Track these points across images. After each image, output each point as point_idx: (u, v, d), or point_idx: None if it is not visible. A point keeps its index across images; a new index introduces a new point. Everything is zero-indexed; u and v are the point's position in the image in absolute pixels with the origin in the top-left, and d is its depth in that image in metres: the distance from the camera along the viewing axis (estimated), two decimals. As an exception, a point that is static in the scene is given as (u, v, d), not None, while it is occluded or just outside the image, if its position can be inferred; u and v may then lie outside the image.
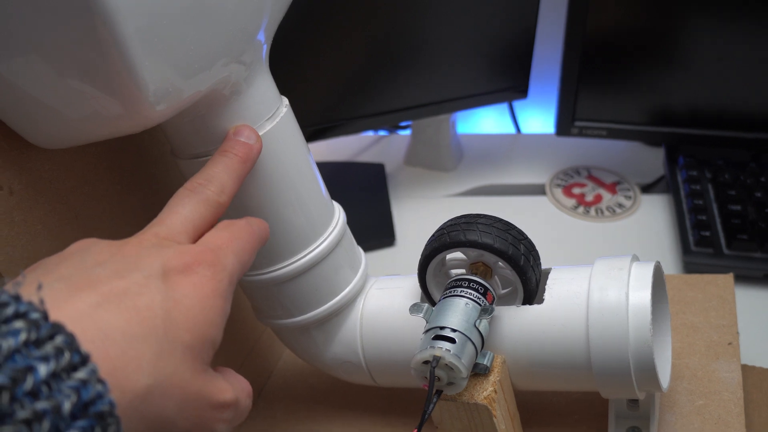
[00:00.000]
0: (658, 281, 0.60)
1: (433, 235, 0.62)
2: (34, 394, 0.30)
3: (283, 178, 0.58)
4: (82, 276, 0.39)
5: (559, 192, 1.14)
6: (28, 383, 0.30)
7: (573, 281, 0.59)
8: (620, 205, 1.09)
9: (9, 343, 0.31)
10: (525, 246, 0.59)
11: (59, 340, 0.32)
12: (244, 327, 0.78)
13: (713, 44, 0.99)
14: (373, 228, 1.08)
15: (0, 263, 0.50)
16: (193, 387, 0.41)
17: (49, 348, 0.32)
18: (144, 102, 0.45)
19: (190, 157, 0.56)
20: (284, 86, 0.61)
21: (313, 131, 1.03)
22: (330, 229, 0.63)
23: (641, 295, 0.56)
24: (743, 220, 0.96)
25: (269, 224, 0.58)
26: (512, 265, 0.58)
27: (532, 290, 0.60)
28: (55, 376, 0.31)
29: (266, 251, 0.60)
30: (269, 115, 0.57)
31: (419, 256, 0.63)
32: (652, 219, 1.06)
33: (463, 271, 0.62)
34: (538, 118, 1.39)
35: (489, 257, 0.60)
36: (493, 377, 0.57)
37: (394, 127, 1.36)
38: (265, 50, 0.56)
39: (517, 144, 1.31)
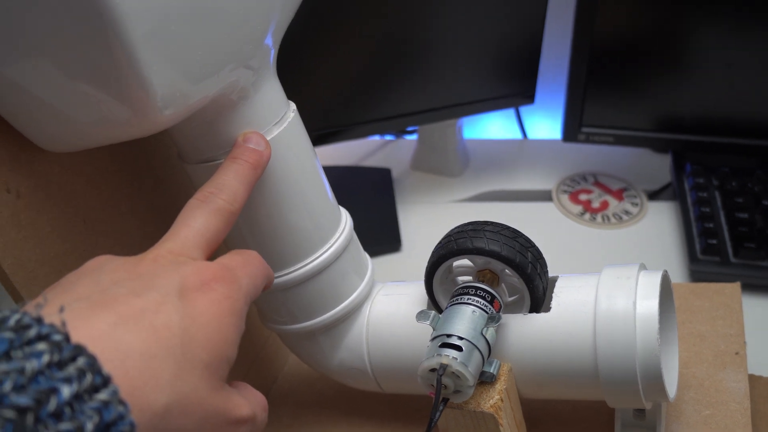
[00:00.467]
0: (666, 290, 0.60)
1: (440, 242, 0.62)
2: (57, 416, 0.30)
3: (290, 184, 0.58)
4: (99, 296, 0.39)
5: (565, 198, 1.13)
6: (52, 404, 0.30)
7: (580, 289, 0.59)
8: (627, 212, 1.09)
9: (33, 364, 0.31)
10: (532, 254, 0.59)
11: (81, 361, 0.32)
12: (250, 333, 0.78)
13: (721, 51, 0.99)
14: (379, 233, 1.08)
15: (8, 266, 0.50)
16: (211, 404, 0.41)
17: (71, 369, 0.32)
18: (152, 106, 0.45)
19: (197, 162, 0.56)
20: (290, 90, 0.61)
21: (319, 135, 1.03)
22: (337, 234, 0.63)
23: (649, 304, 0.55)
24: (750, 228, 0.96)
25: (276, 229, 0.59)
26: (519, 272, 0.58)
27: (539, 298, 0.60)
28: (77, 397, 0.31)
29: (273, 256, 0.60)
30: (277, 120, 0.56)
31: (425, 262, 0.63)
32: (658, 226, 1.06)
33: (469, 278, 0.62)
34: (544, 123, 1.39)
35: (496, 265, 0.60)
36: (500, 385, 0.57)
37: (400, 132, 1.36)
38: (272, 55, 0.56)
39: (524, 150, 1.31)
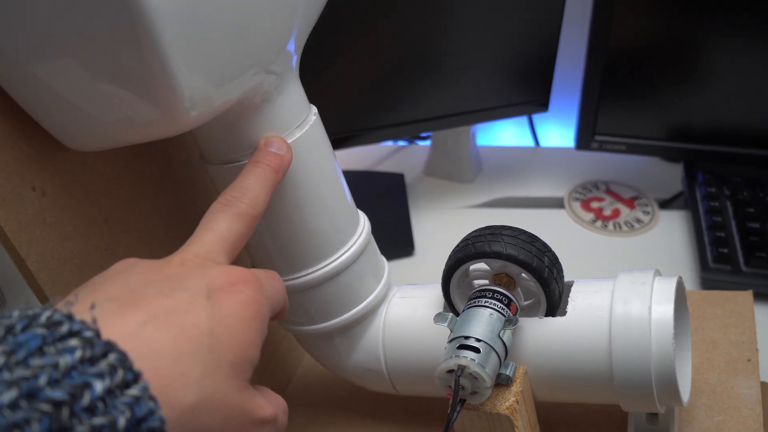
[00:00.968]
0: (680, 296, 0.60)
1: (458, 246, 0.63)
2: (91, 410, 0.31)
3: (311, 186, 0.59)
4: (129, 295, 0.40)
5: (577, 206, 1.14)
6: (86, 399, 0.31)
7: (596, 294, 0.60)
8: (638, 221, 1.10)
9: (66, 360, 0.31)
10: (549, 258, 0.60)
11: (112, 357, 0.33)
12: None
13: (734, 61, 1.00)
14: (392, 237, 1.09)
15: (32, 263, 0.50)
16: (236, 403, 0.41)
17: (103, 365, 0.32)
18: (179, 108, 0.45)
19: (220, 163, 0.57)
20: (306, 95, 0.61)
21: (333, 140, 1.03)
22: (355, 237, 0.63)
23: (664, 309, 0.56)
24: (762, 238, 0.96)
25: (296, 231, 0.59)
26: (536, 276, 0.59)
27: (555, 302, 0.60)
28: (110, 392, 0.32)
29: (292, 258, 0.61)
30: (299, 123, 0.57)
31: (438, 266, 0.64)
32: (670, 235, 1.07)
33: (486, 282, 0.63)
34: (556, 131, 1.40)
35: (513, 268, 0.60)
36: (516, 387, 0.58)
37: (414, 138, 1.37)
38: (295, 60, 0.56)
39: (536, 157, 1.31)
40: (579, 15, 1.09)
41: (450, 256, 0.63)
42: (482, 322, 0.56)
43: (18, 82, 0.47)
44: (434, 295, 0.67)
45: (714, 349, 0.73)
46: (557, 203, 1.16)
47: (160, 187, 0.64)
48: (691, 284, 0.96)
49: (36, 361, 0.31)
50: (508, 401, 0.57)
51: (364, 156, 1.32)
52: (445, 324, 0.58)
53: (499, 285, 0.61)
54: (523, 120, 1.37)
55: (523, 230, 0.61)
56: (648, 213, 1.11)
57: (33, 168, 0.51)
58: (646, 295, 0.57)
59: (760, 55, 0.98)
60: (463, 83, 1.06)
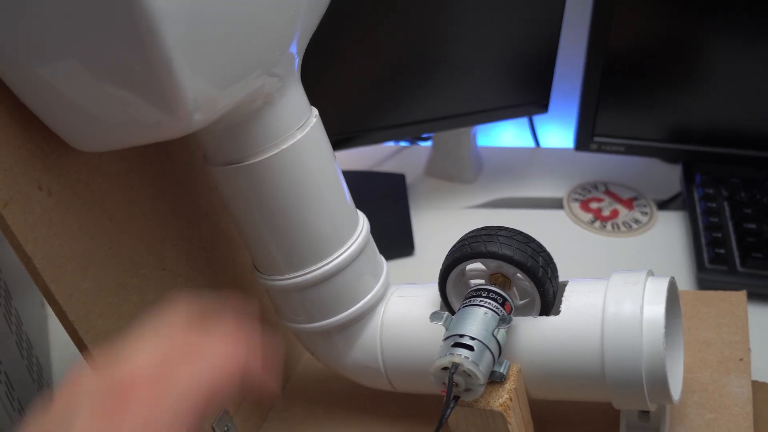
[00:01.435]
0: (673, 296, 0.61)
1: (454, 246, 0.64)
2: None
3: (311, 187, 0.60)
4: None
5: (576, 206, 1.15)
6: None
7: (589, 294, 0.61)
8: (636, 221, 1.10)
9: None
10: (543, 258, 0.61)
11: None
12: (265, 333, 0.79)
13: (733, 63, 1.00)
14: (392, 237, 1.09)
15: (39, 261, 0.52)
16: None
17: None
18: (182, 110, 0.46)
19: (222, 164, 0.58)
20: (308, 97, 0.62)
21: (334, 141, 1.03)
22: (354, 237, 0.64)
23: (655, 309, 0.57)
24: (758, 239, 0.97)
25: (296, 231, 0.60)
26: (531, 276, 0.60)
27: (549, 302, 0.61)
28: None
29: (292, 257, 0.62)
30: (300, 125, 0.58)
31: (437, 266, 0.65)
32: (667, 235, 1.07)
33: (482, 281, 0.64)
34: (556, 132, 1.40)
35: (508, 268, 0.61)
36: (509, 385, 0.59)
37: (415, 138, 1.38)
38: (297, 63, 0.57)
39: (536, 158, 1.32)
40: (579, 16, 1.09)
41: (447, 256, 0.64)
42: (477, 320, 0.58)
43: (24, 83, 0.48)
44: (431, 294, 0.68)
45: (707, 348, 0.74)
46: (556, 204, 1.17)
47: (163, 188, 0.65)
48: (687, 284, 0.97)
49: None
50: (502, 398, 0.58)
51: (365, 156, 1.32)
52: (441, 322, 0.59)
53: (495, 284, 0.62)
54: (523, 121, 1.38)
55: (519, 231, 0.62)
56: (646, 213, 1.12)
57: (40, 168, 0.52)
58: (639, 295, 0.58)
59: (759, 57, 0.99)
60: (464, 85, 1.06)
